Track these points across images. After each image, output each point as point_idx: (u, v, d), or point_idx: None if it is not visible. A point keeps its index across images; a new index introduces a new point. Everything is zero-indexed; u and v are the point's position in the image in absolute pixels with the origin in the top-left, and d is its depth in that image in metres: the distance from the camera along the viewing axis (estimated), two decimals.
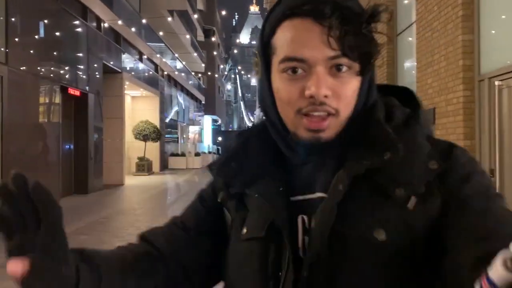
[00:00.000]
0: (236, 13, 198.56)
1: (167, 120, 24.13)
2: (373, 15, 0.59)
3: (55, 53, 10.71)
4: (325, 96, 0.60)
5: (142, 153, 19.16)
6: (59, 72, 10.94)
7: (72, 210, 9.44)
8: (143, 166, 18.90)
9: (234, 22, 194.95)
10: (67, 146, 12.05)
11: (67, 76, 11.46)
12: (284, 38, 0.62)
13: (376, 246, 0.58)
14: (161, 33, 19.85)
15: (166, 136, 23.86)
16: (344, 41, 0.58)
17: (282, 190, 0.66)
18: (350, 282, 0.59)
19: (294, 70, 0.61)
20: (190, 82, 31.50)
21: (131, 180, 16.13)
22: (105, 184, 13.90)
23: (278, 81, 0.64)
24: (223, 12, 47.81)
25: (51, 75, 10.49)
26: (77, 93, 11.82)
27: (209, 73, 37.36)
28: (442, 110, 5.04)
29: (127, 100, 19.96)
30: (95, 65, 13.15)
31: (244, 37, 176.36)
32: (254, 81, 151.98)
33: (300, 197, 0.66)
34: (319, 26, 0.59)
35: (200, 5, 39.53)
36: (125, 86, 16.58)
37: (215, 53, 40.20)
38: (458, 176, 0.60)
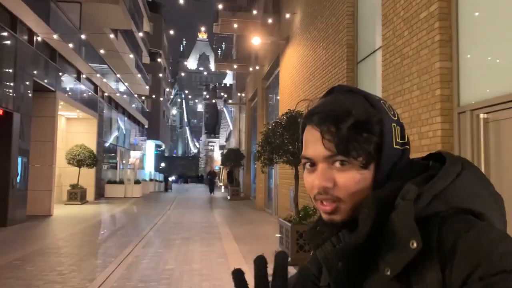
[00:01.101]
0: (184, 39, 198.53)
1: (106, 145, 22.57)
2: (363, 123, 0.69)
3: None
4: (328, 187, 0.70)
5: (76, 179, 17.53)
6: None
7: None
8: (76, 194, 17.25)
9: (181, 48, 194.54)
10: None
11: None
12: (303, 140, 0.76)
13: None
14: (102, 52, 18.63)
15: (104, 161, 22.25)
16: (336, 143, 0.69)
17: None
18: None
19: (310, 165, 0.74)
20: (133, 105, 30.06)
21: (62, 210, 14.52)
22: (30, 214, 12.31)
23: (304, 173, 0.76)
24: (171, 35, 47.14)
25: None
26: (0, 112, 10.41)
27: (153, 97, 36.08)
28: (414, 144, 4.54)
29: (61, 121, 18.38)
30: (24, 82, 11.78)
31: (192, 63, 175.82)
32: (200, 107, 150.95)
33: None
34: (318, 131, 0.71)
35: (146, 27, 38.52)
36: (59, 107, 15.16)
37: (161, 76, 39.10)
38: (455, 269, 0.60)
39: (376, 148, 0.68)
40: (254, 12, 12.34)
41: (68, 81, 15.84)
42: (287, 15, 10.52)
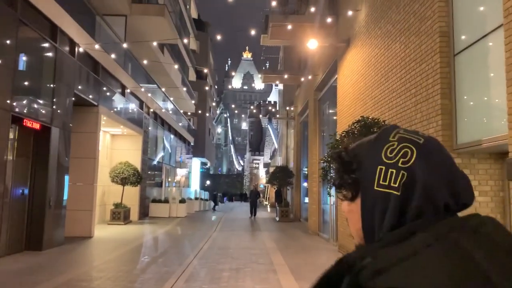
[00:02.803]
0: (229, 59, 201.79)
1: (151, 162, 21.94)
2: (345, 163, 0.76)
3: (10, 76, 8.70)
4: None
5: (120, 198, 16.81)
6: (14, 100, 8.89)
7: (3, 279, 7.05)
8: (119, 214, 16.48)
9: (226, 67, 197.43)
10: (20, 190, 9.78)
11: (23, 105, 9.40)
12: None
13: None
14: (146, 63, 18.03)
15: (149, 179, 21.56)
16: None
17: None
18: None
19: None
20: (180, 124, 29.58)
21: (103, 231, 13.71)
22: (69, 236, 11.53)
23: None
24: (216, 53, 47.18)
25: (3, 102, 8.42)
26: (37, 126, 9.71)
27: (199, 112, 35.64)
28: None
29: (106, 138, 17.87)
30: (64, 95, 11.12)
31: (236, 82, 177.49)
32: (244, 125, 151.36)
33: None
34: None
35: (193, 45, 38.44)
36: (103, 122, 14.53)
37: (207, 91, 38.78)
38: None
39: (358, 186, 0.73)
40: (312, 9, 11.09)
41: (112, 96, 15.25)
42: (349, 13, 9.18)
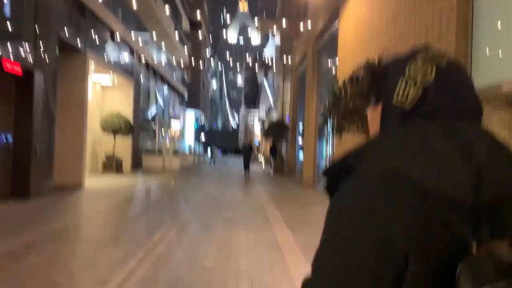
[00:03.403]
0: (224, 7, 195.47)
1: (143, 113, 21.41)
2: (375, 75, 0.82)
3: None
4: None
5: (112, 148, 16.45)
6: None
7: None
8: (111, 165, 16.18)
9: (222, 20, 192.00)
10: (3, 138, 9.35)
11: (1, 47, 8.76)
12: None
13: None
14: (137, 8, 17.08)
15: (142, 131, 21.12)
16: None
17: None
18: None
19: None
20: (173, 75, 28.76)
21: (94, 181, 13.44)
22: (59, 186, 11.28)
23: None
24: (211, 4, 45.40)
25: None
26: (18, 69, 9.11)
27: (193, 65, 34.68)
28: None
29: (96, 88, 17.23)
30: (47, 38, 10.42)
31: (232, 35, 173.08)
32: (239, 80, 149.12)
33: None
34: None
35: None
36: (91, 70, 13.88)
37: (201, 42, 37.59)
38: None
39: (382, 94, 0.79)
40: None
41: (100, 42, 14.47)
42: None
